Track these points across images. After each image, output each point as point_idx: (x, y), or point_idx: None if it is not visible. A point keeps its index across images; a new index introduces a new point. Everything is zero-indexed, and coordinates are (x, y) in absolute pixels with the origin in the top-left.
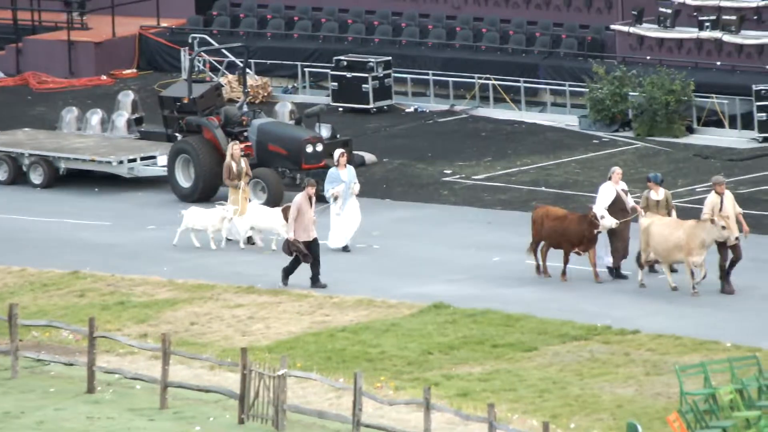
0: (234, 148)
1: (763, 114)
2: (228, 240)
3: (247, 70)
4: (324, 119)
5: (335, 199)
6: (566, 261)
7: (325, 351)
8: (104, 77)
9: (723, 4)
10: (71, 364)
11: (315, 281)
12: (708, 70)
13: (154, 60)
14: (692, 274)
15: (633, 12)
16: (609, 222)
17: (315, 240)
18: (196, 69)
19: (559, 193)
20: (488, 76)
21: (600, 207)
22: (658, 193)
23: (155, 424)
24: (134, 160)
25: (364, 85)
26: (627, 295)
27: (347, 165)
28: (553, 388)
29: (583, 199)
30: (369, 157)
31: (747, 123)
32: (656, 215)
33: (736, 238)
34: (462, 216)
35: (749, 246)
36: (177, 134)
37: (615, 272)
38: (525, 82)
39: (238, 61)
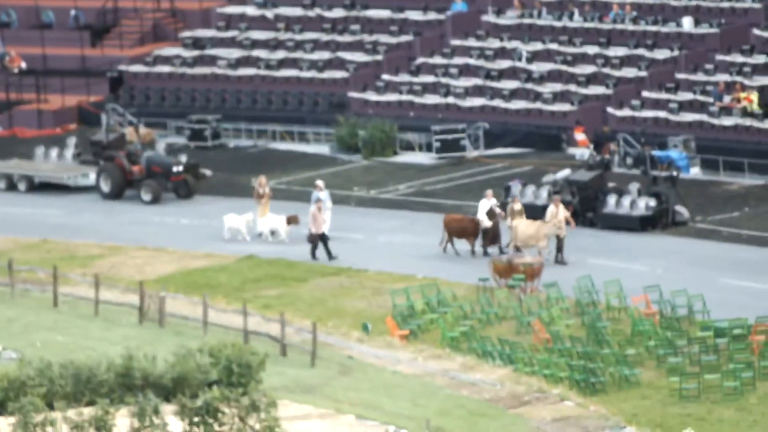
0: (261, 180)
1: (438, 143)
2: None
3: (139, 124)
4: (183, 151)
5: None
6: (472, 245)
7: (186, 282)
8: (59, 129)
9: (414, 79)
10: (44, 291)
11: (329, 254)
12: (406, 117)
13: (86, 119)
14: (539, 252)
15: (362, 85)
16: (486, 223)
17: (323, 234)
18: (111, 124)
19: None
20: (275, 126)
21: (481, 213)
22: (516, 205)
23: (92, 324)
24: (76, 176)
25: (205, 132)
26: (361, 250)
27: (324, 189)
28: (317, 303)
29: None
30: (208, 173)
31: (429, 148)
32: (520, 219)
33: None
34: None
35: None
36: (100, 161)
37: (485, 251)
38: (298, 127)
39: (134, 120)
